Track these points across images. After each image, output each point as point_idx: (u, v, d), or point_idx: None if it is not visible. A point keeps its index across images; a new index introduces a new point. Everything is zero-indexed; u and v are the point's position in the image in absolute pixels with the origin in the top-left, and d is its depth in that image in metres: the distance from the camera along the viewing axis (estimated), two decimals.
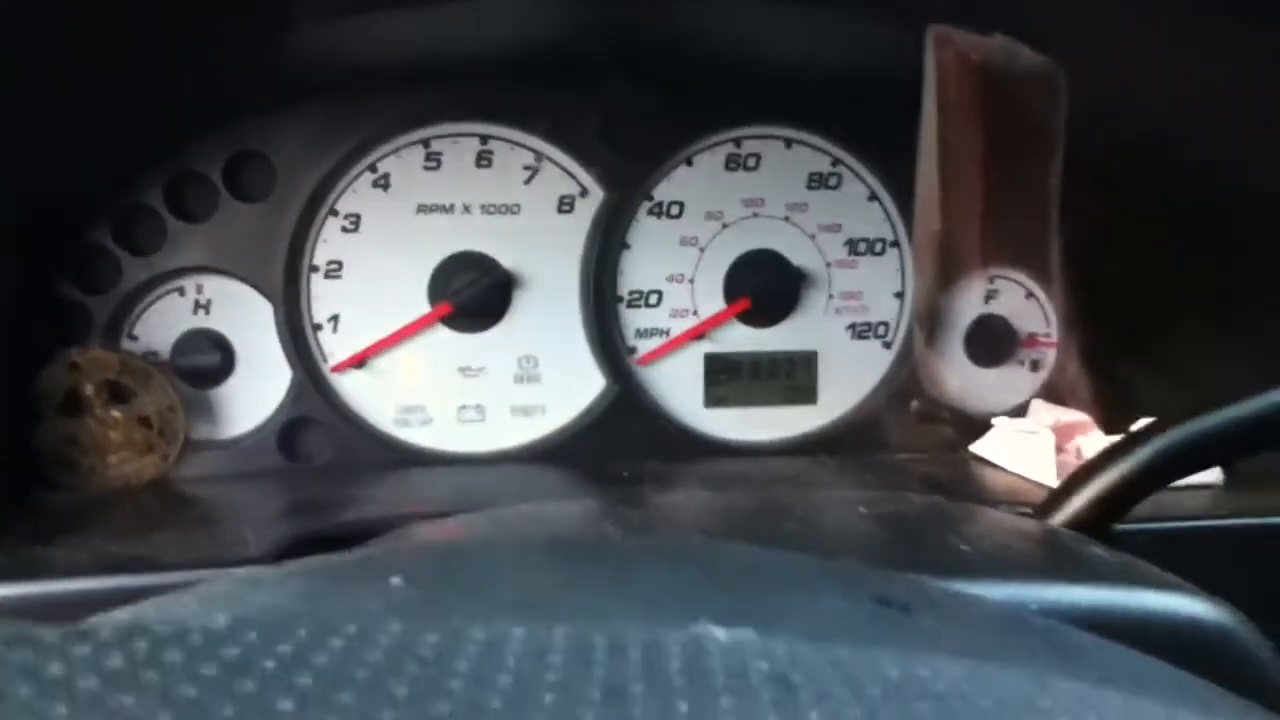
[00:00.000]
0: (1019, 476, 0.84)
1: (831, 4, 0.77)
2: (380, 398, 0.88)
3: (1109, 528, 0.62)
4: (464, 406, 0.89)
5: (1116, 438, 0.85)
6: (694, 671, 0.23)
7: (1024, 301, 0.97)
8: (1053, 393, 0.96)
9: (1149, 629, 0.47)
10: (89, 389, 0.79)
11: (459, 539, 0.38)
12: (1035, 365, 0.98)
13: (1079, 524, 0.63)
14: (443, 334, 0.88)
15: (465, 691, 0.20)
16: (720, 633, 0.26)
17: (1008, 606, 0.42)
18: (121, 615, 0.27)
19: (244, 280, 0.84)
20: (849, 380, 0.95)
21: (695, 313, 0.92)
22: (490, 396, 0.89)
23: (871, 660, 0.26)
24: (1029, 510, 0.68)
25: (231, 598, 0.28)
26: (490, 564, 0.33)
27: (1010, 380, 0.97)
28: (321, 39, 0.74)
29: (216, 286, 0.84)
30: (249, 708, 0.19)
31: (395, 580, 0.30)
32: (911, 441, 0.94)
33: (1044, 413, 0.92)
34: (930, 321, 0.96)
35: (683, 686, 0.22)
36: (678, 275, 0.92)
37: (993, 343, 0.97)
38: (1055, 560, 0.53)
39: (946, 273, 0.96)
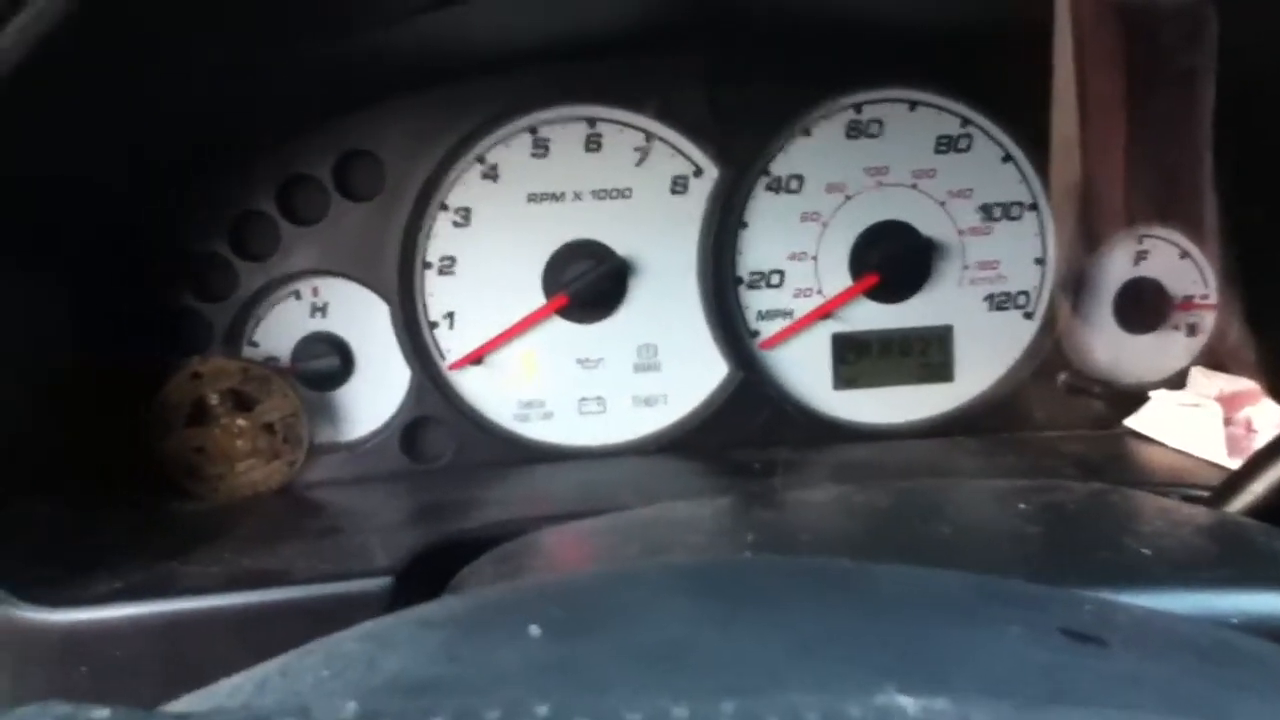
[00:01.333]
0: (1184, 454, 0.78)
1: None
2: (500, 394, 0.86)
3: None
4: (584, 399, 0.87)
5: None
6: None
7: (1178, 261, 0.90)
8: (1214, 359, 0.89)
9: None
10: (213, 398, 0.79)
11: (594, 572, 0.35)
12: (1193, 330, 0.91)
13: (1262, 511, 0.57)
14: (559, 326, 0.86)
15: None
16: (910, 704, 0.22)
17: (1210, 626, 0.37)
18: (237, 699, 0.24)
19: (359, 281, 0.83)
20: (988, 355, 0.90)
21: (820, 291, 0.88)
22: (610, 388, 0.87)
23: None
24: (1202, 494, 0.63)
25: (357, 666, 0.25)
26: (634, 605, 0.30)
27: (1166, 347, 0.90)
28: (420, 31, 0.71)
29: (332, 289, 0.83)
30: None
31: (534, 630, 0.27)
32: (1059, 418, 0.88)
33: (1205, 382, 0.85)
34: (1075, 288, 0.90)
35: None
36: (800, 253, 0.87)
37: (1145, 307, 0.90)
38: (1245, 560, 0.48)
39: (1090, 234, 0.89)
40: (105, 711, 0.21)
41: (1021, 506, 0.53)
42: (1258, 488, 0.58)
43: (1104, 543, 0.48)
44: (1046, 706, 0.24)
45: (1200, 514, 0.56)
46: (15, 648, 0.60)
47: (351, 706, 0.20)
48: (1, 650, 0.60)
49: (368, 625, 0.30)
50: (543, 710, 0.20)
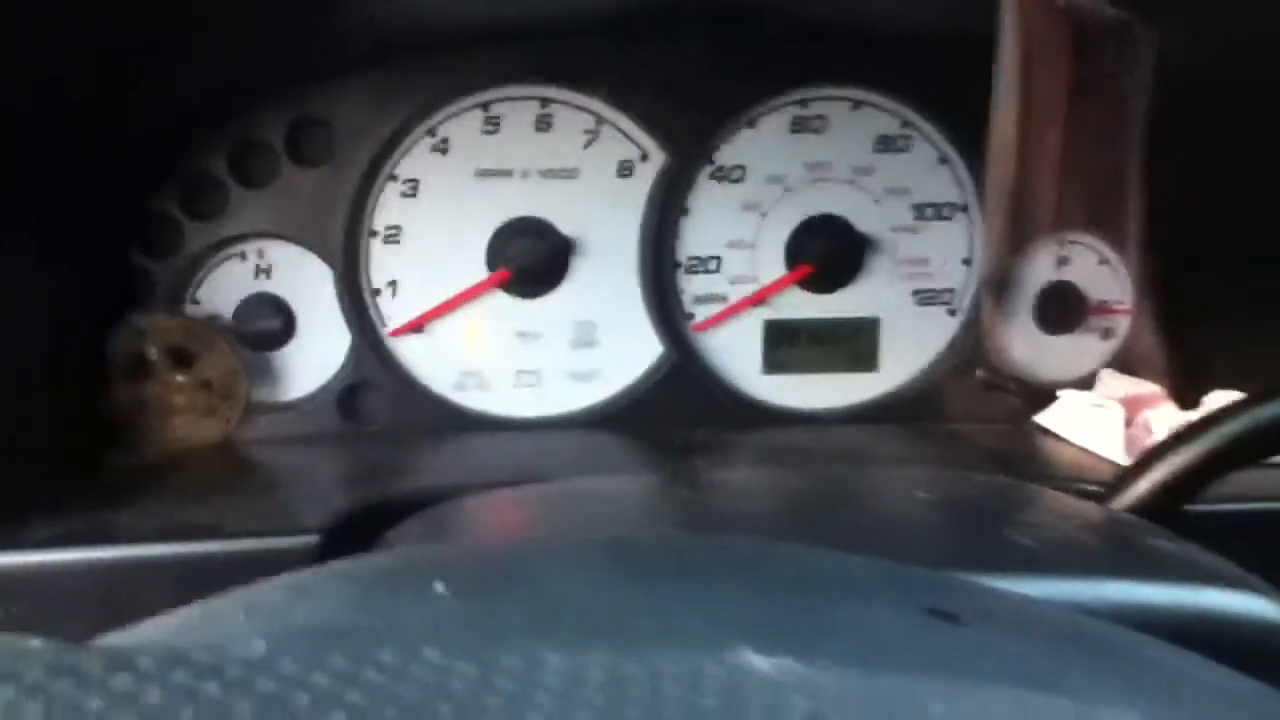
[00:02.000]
0: (1086, 451, 0.82)
1: None
2: (438, 362, 0.88)
3: (1180, 510, 0.61)
4: (521, 371, 0.89)
5: (1189, 413, 0.83)
6: (730, 709, 0.23)
7: (1097, 267, 0.94)
8: (1124, 363, 0.94)
9: (1212, 629, 0.46)
10: (154, 353, 0.80)
11: (502, 541, 0.37)
12: (1107, 334, 0.95)
13: (1147, 506, 0.61)
14: (500, 299, 0.88)
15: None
16: (761, 662, 0.25)
17: (1067, 612, 0.40)
18: (160, 636, 0.27)
19: (304, 245, 0.85)
20: (912, 348, 0.93)
21: (756, 279, 0.91)
22: (547, 362, 0.90)
23: (913, 695, 0.25)
24: (1096, 488, 0.67)
25: (273, 612, 0.28)
26: (533, 571, 0.33)
27: (1081, 349, 0.95)
28: (380, 6, 0.73)
29: (278, 252, 0.85)
30: None
31: (439, 587, 0.30)
32: (975, 411, 0.92)
33: (1113, 384, 0.90)
34: (998, 287, 0.94)
35: None
36: (739, 241, 0.90)
37: (1063, 309, 0.94)
38: (1119, 553, 0.52)
39: (1018, 236, 0.93)
40: (38, 642, 0.23)
41: (920, 494, 0.56)
42: (1143, 486, 0.62)
43: (991, 532, 0.52)
44: (889, 671, 0.27)
45: (1087, 509, 0.60)
46: None
47: (260, 645, 0.23)
48: None
49: (288, 576, 0.32)
50: (431, 652, 0.23)
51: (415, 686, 0.22)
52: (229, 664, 0.22)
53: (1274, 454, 0.62)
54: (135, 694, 0.21)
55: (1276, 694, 0.32)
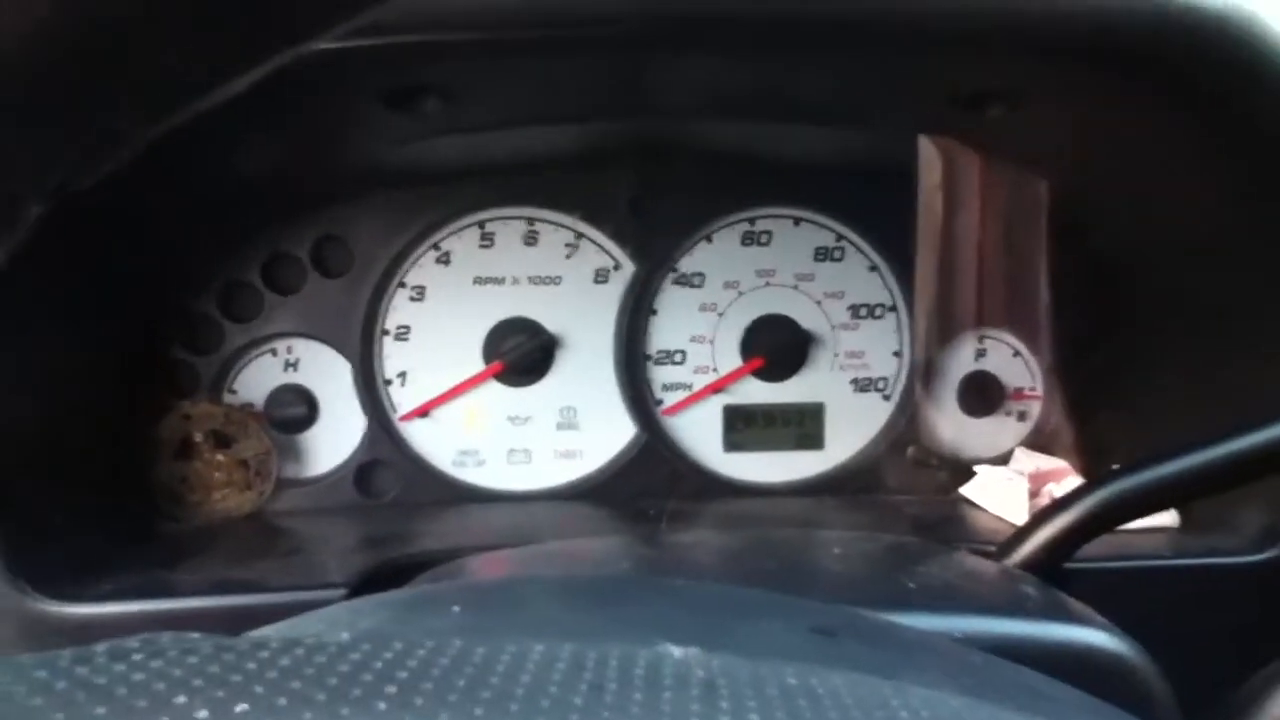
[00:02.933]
0: (997, 518, 0.95)
1: (831, 124, 0.90)
2: (441, 443, 1.01)
3: (1059, 567, 0.73)
4: (513, 450, 1.03)
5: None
6: (652, 675, 0.36)
7: (1011, 358, 1.08)
8: (1037, 442, 1.07)
9: (1053, 655, 0.57)
10: (198, 436, 0.94)
11: (500, 576, 0.51)
12: (1022, 416, 1.09)
13: (1032, 563, 0.73)
14: (495, 388, 1.02)
15: (500, 685, 0.32)
16: (676, 650, 0.39)
17: (926, 634, 0.53)
18: (273, 632, 0.40)
19: (327, 343, 0.98)
20: (852, 429, 1.07)
21: (715, 369, 1.04)
22: (536, 442, 1.03)
23: (778, 670, 0.38)
24: (992, 548, 0.79)
25: (346, 621, 0.41)
26: (522, 598, 0.46)
27: (999, 430, 1.08)
28: (396, 149, 0.88)
29: (303, 348, 0.98)
30: (364, 693, 0.31)
31: (455, 609, 0.43)
32: (908, 485, 1.05)
33: (1025, 460, 1.03)
34: (926, 376, 1.08)
35: (642, 685, 0.34)
36: (700, 336, 1.04)
37: (983, 395, 1.07)
38: (988, 595, 0.65)
39: (942, 333, 1.07)
40: (198, 636, 0.35)
41: (836, 551, 0.70)
42: (1028, 546, 0.74)
43: (885, 578, 0.65)
44: (768, 660, 0.41)
45: (978, 563, 0.73)
46: (32, 635, 0.74)
47: (345, 635, 0.36)
48: (21, 635, 0.74)
49: (349, 603, 0.45)
50: (457, 643, 0.36)
51: (446, 661, 0.35)
52: (328, 645, 0.35)
53: (1134, 519, 0.73)
54: (268, 664, 0.34)
55: (1075, 692, 0.44)
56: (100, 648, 0.30)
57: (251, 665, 0.28)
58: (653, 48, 0.69)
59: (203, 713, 0.26)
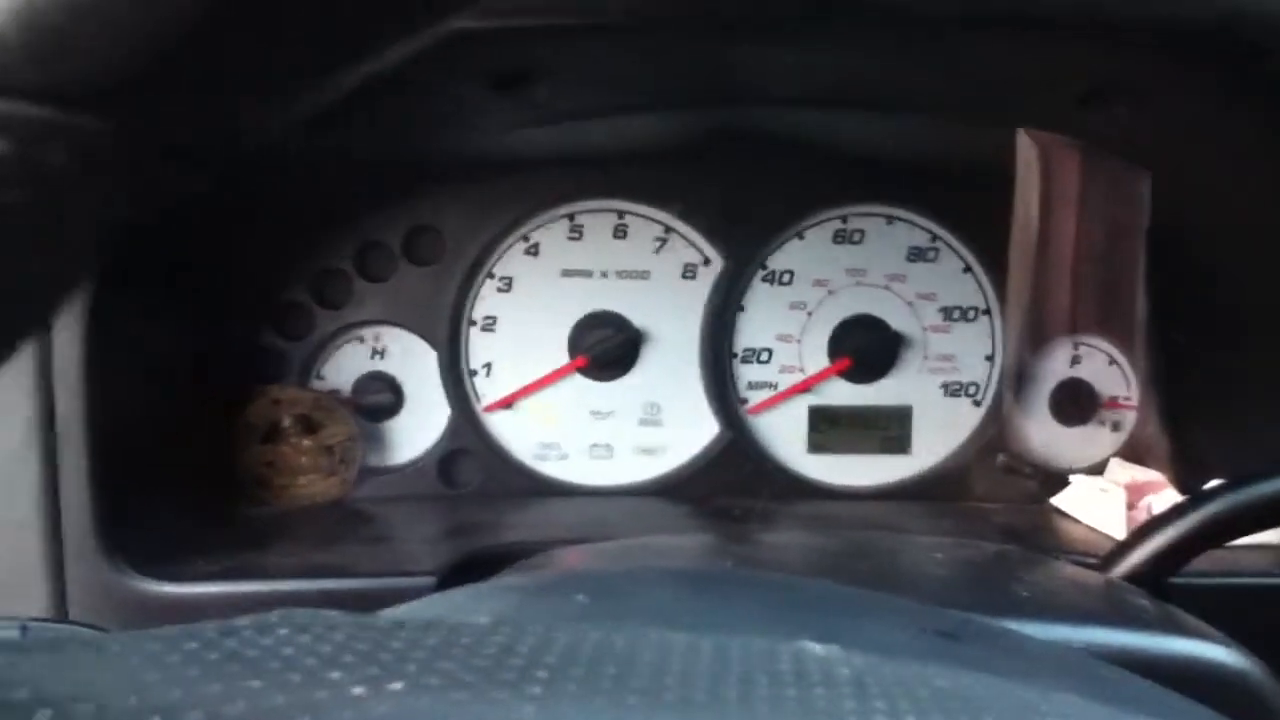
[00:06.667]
0: (1092, 529, 0.93)
1: (930, 113, 0.88)
2: (524, 435, 1.01)
3: (1164, 581, 0.71)
4: (595, 445, 1.02)
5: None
6: (800, 671, 0.35)
7: (1106, 366, 1.05)
8: (1131, 452, 1.04)
9: (1174, 669, 0.56)
10: (287, 421, 0.94)
11: (620, 566, 0.50)
12: (1116, 426, 1.06)
13: (1137, 576, 0.71)
14: (579, 381, 1.01)
15: (651, 676, 0.32)
16: (817, 647, 0.38)
17: (1046, 642, 0.52)
18: (406, 614, 0.39)
19: (414, 332, 0.99)
20: (940, 434, 1.05)
21: (802, 369, 1.03)
22: (618, 437, 1.02)
23: (923, 672, 0.37)
24: (1094, 560, 0.77)
25: (473, 608, 0.40)
26: (644, 587, 0.45)
27: (1091, 439, 1.05)
28: (497, 137, 0.87)
29: (391, 336, 0.99)
30: (516, 677, 0.31)
31: (581, 598, 0.42)
32: (996, 492, 1.03)
33: (1120, 471, 1.00)
34: (1019, 382, 1.05)
35: (793, 681, 0.33)
36: (787, 335, 1.03)
37: (1076, 403, 1.05)
38: (1101, 607, 0.63)
39: (1035, 338, 1.05)
40: (336, 613, 0.35)
41: (938, 556, 0.68)
42: (1133, 559, 0.72)
43: (994, 585, 0.63)
44: (900, 660, 0.39)
45: (1083, 574, 0.71)
46: (131, 612, 0.75)
47: (484, 619, 0.35)
48: (120, 613, 0.75)
49: (468, 588, 0.45)
50: (598, 632, 0.35)
51: (590, 649, 0.34)
52: (469, 628, 0.34)
53: (1245, 534, 0.71)
54: (413, 644, 0.33)
55: (1200, 708, 0.42)
56: (243, 621, 0.30)
57: (397, 644, 0.28)
58: (767, 30, 0.68)
59: (359, 689, 0.26)
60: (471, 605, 0.40)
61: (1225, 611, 0.62)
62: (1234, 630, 0.57)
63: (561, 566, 0.69)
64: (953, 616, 0.50)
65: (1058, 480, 1.01)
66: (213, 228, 0.86)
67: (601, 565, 0.70)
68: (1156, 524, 0.71)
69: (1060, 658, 0.49)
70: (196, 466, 0.89)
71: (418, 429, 1.00)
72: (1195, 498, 0.71)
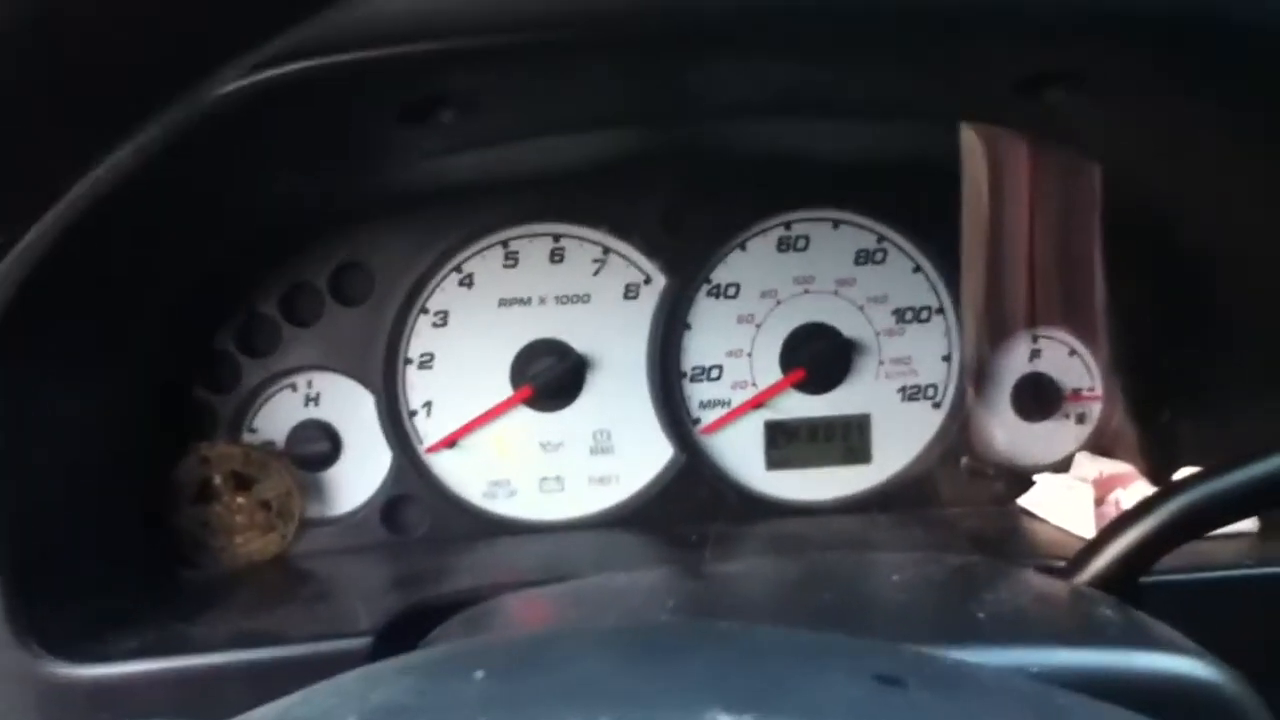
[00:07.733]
0: (1061, 530, 0.90)
1: (866, 117, 0.85)
2: (470, 474, 0.97)
3: (1135, 582, 0.68)
4: (545, 478, 0.98)
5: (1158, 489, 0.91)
6: None
7: (1067, 358, 1.03)
8: (1098, 445, 1.01)
9: (1144, 689, 0.52)
10: (218, 479, 0.90)
11: (530, 631, 0.46)
12: (1081, 419, 1.03)
13: (1106, 578, 0.68)
14: (524, 414, 0.97)
15: None
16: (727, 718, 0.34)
17: (1004, 674, 0.48)
18: (274, 714, 0.35)
19: (348, 375, 0.95)
20: (901, 440, 1.02)
21: (754, 384, 1.00)
22: (569, 468, 0.98)
23: None
24: (1060, 563, 0.74)
25: (359, 695, 0.36)
26: (555, 656, 0.41)
27: (1057, 434, 1.02)
28: (413, 167, 0.84)
29: (324, 381, 0.95)
30: None
31: (479, 674, 0.39)
32: (962, 497, 1.00)
33: (1087, 465, 0.97)
34: (978, 381, 1.02)
35: None
36: (736, 350, 1.00)
37: (1039, 399, 1.02)
38: (1065, 623, 0.60)
39: (993, 334, 1.02)
40: None
41: (895, 578, 0.64)
42: (1101, 561, 0.69)
43: (950, 607, 0.60)
44: None
45: (1047, 584, 0.67)
46: (48, 699, 0.70)
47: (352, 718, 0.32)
48: (37, 700, 0.70)
49: (361, 670, 0.41)
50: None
51: None
52: None
53: (1218, 527, 0.68)
54: None
55: None
56: None
57: None
58: (690, 48, 0.65)
59: None
60: (353, 694, 0.36)
61: (1199, 609, 0.59)
62: (1212, 627, 0.55)
63: (496, 620, 0.65)
64: (904, 657, 0.47)
65: (1024, 480, 0.98)
66: (127, 280, 0.82)
67: (539, 616, 0.67)
68: (1124, 522, 0.68)
69: (1015, 691, 0.46)
70: (122, 534, 0.85)
71: (358, 476, 0.96)
72: (1162, 492, 0.68)
